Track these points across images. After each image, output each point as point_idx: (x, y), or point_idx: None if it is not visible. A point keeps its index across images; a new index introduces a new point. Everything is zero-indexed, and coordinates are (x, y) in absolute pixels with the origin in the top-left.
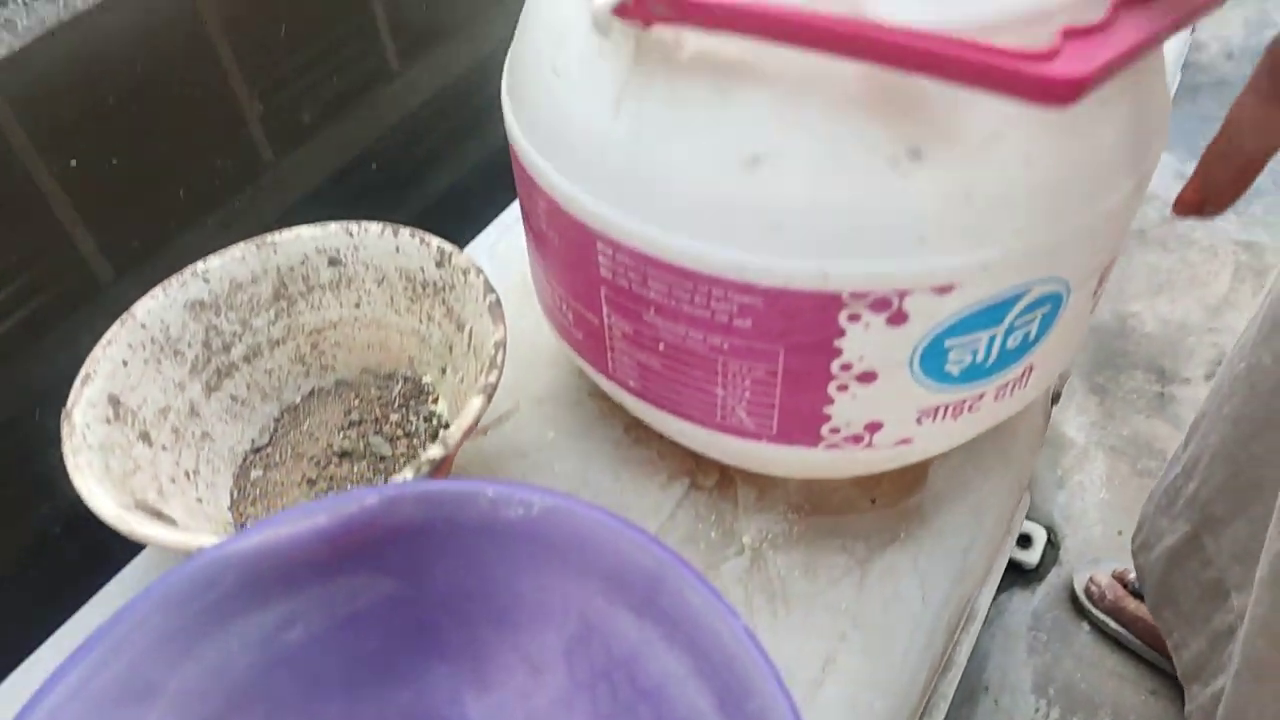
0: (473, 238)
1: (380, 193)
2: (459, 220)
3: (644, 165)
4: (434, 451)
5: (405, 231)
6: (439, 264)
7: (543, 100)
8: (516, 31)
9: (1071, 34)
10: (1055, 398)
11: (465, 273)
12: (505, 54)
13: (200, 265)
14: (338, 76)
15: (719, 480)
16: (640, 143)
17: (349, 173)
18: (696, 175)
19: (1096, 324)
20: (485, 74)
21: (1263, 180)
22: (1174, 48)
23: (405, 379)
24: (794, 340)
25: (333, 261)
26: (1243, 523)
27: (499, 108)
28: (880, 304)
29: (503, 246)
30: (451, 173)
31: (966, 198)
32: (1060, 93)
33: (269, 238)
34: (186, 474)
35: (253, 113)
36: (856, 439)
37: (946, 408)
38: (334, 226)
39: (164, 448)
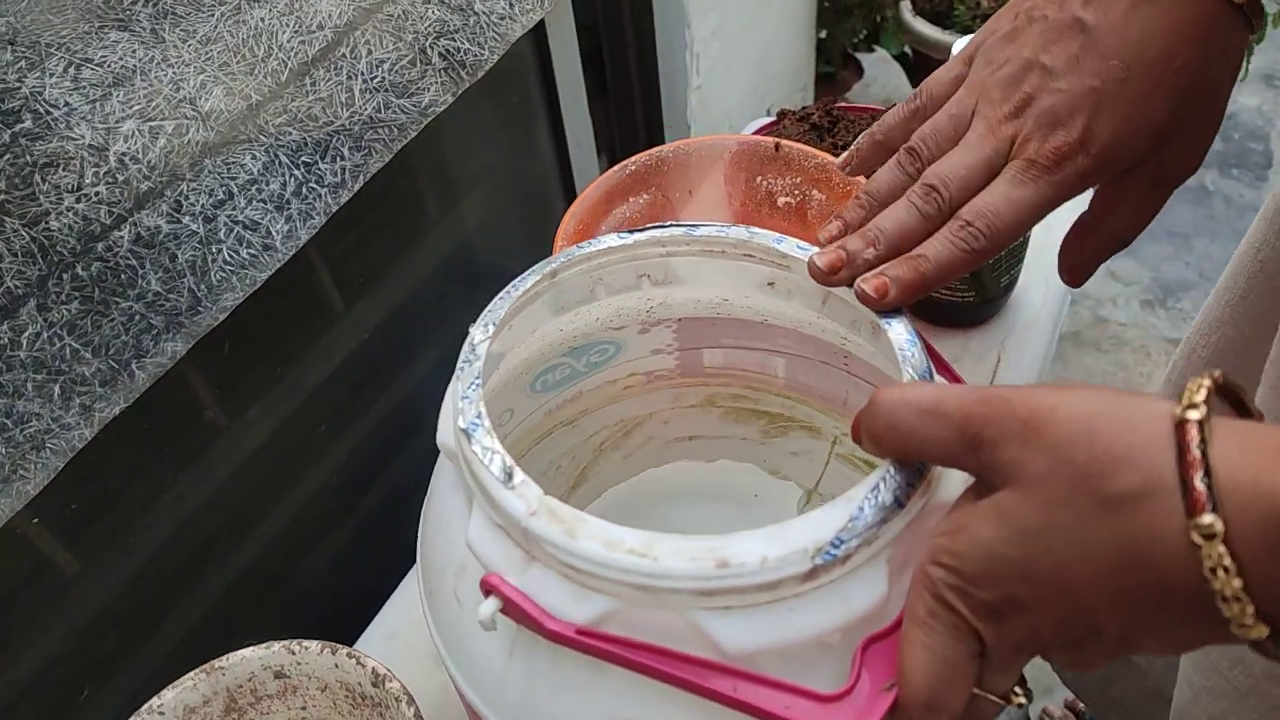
0: None
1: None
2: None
3: (537, 709)
4: None
5: (343, 651)
6: (374, 684)
7: (448, 616)
8: (421, 524)
9: (871, 642)
10: None
11: (398, 700)
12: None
13: (155, 701)
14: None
15: None
16: (531, 691)
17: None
18: None
19: None
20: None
21: (1188, 274)
22: None
23: None
24: None
25: (278, 675)
26: None
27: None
28: None
29: None
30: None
31: None
32: None
33: (217, 663)
34: None
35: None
36: None
37: None
38: (277, 646)
39: None
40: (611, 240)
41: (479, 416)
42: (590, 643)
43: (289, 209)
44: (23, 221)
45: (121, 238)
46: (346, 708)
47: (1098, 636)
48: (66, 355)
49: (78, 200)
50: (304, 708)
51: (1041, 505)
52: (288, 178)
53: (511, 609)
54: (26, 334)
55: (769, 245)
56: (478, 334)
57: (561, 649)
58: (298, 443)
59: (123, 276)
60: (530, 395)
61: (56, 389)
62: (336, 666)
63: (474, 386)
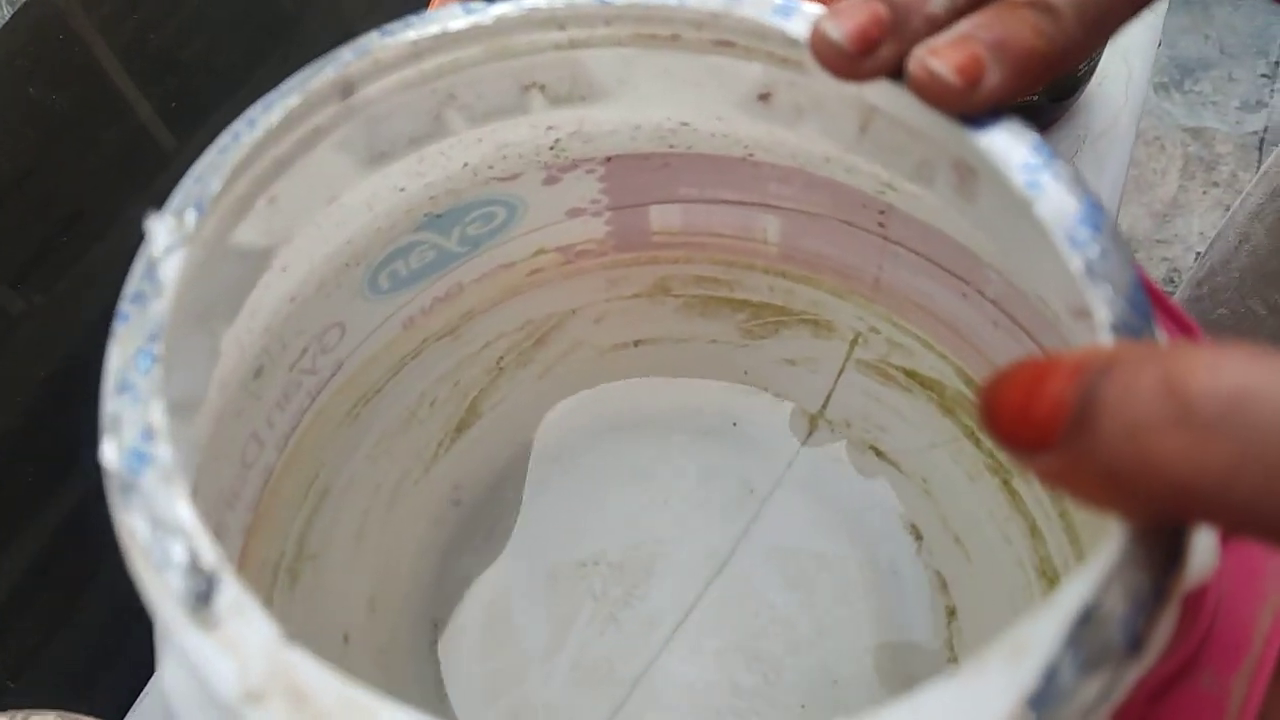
0: None
1: None
2: None
3: None
4: None
5: None
6: None
7: None
8: None
9: None
10: None
11: None
12: None
13: None
14: None
15: None
16: None
17: None
18: None
19: None
20: None
21: (1208, 50)
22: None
23: None
24: None
25: None
26: None
27: None
28: None
29: None
30: None
31: None
32: None
33: None
34: None
35: None
36: None
37: None
38: None
39: None
40: (454, 19)
41: (148, 437)
42: None
43: None
44: None
45: None
46: None
47: None
48: None
49: None
50: None
51: None
52: None
53: None
54: None
55: (762, 21)
56: (163, 235)
57: None
58: (94, 356)
59: None
60: (371, 299)
61: None
62: None
63: (145, 363)
